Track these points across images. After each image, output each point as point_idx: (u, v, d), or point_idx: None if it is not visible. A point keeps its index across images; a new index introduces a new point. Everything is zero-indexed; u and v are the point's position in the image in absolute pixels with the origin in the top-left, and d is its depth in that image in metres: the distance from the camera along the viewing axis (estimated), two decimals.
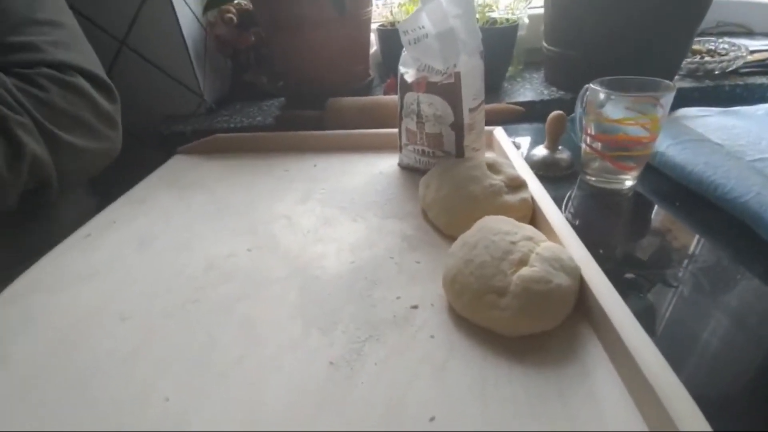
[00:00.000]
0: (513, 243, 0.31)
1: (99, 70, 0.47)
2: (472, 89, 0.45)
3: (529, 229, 0.33)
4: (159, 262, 0.40)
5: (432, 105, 0.46)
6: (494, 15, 0.74)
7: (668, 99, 0.43)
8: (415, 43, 0.43)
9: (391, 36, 0.76)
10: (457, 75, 0.43)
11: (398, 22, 0.76)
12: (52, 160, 0.42)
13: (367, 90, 0.80)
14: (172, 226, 0.46)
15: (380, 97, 0.71)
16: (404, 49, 0.47)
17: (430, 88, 0.45)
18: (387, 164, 0.56)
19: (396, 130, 0.54)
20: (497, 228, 0.32)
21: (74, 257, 0.41)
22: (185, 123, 0.75)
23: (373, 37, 0.83)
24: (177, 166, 0.60)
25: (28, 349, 0.31)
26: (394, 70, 0.77)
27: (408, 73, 0.47)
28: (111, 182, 0.56)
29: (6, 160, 0.38)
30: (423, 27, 0.42)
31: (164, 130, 0.73)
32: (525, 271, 0.29)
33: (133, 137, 0.77)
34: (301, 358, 0.29)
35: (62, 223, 0.46)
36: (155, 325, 0.32)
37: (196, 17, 0.74)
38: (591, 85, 0.46)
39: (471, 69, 0.44)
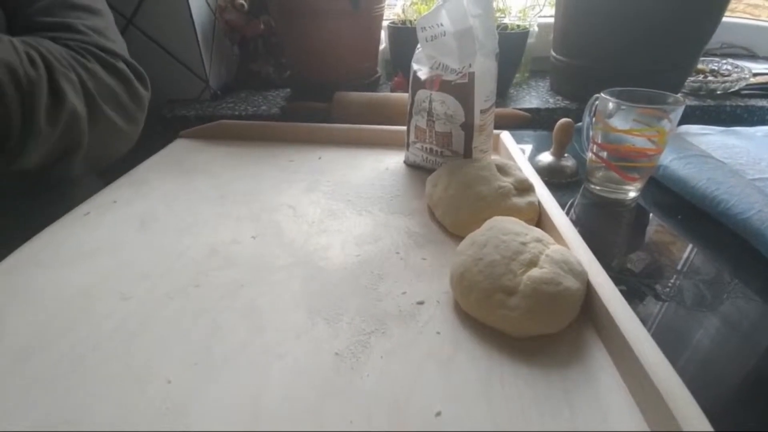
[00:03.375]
0: (523, 244, 0.31)
1: (137, 64, 0.48)
2: (485, 91, 0.45)
3: (538, 232, 0.33)
4: (160, 244, 0.39)
5: (444, 104, 0.46)
6: (506, 21, 0.74)
7: (677, 113, 0.44)
8: (432, 40, 0.43)
9: (401, 34, 0.76)
10: (472, 75, 0.43)
11: (409, 20, 0.76)
12: (89, 125, 0.42)
13: (374, 87, 0.80)
14: (174, 209, 0.45)
15: (388, 94, 0.71)
16: (419, 45, 0.47)
17: (444, 86, 0.45)
18: (393, 161, 0.56)
19: (403, 128, 0.54)
20: (507, 228, 0.32)
21: (73, 234, 0.40)
22: (189, 107, 0.74)
23: (382, 35, 0.83)
24: (179, 149, 0.60)
25: (23, 322, 0.30)
26: (402, 68, 0.77)
27: (421, 71, 0.47)
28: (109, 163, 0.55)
29: (47, 111, 0.37)
30: (441, 24, 0.42)
31: (167, 113, 0.72)
32: (535, 272, 0.29)
33: None
34: (305, 348, 0.28)
35: (71, 204, 0.45)
36: (156, 306, 0.32)
37: (206, 1, 0.74)
38: (602, 95, 0.47)
39: (485, 70, 0.44)
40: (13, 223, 0.42)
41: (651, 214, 0.49)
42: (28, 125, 0.36)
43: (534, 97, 0.78)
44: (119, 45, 0.47)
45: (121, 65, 0.45)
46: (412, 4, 0.77)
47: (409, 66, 0.49)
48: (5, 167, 0.38)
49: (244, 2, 0.74)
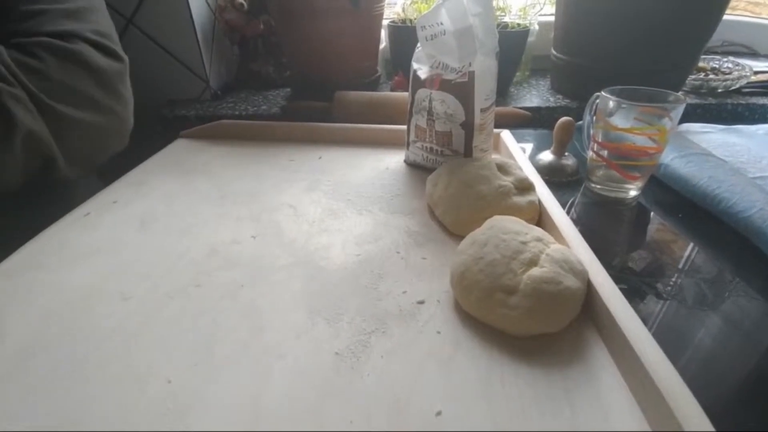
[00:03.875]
0: (523, 243, 0.31)
1: (109, 40, 0.45)
2: (485, 89, 0.45)
3: (538, 231, 0.33)
4: (160, 245, 0.39)
5: (444, 103, 0.46)
6: (506, 19, 0.74)
7: (678, 111, 0.43)
8: (432, 39, 0.43)
9: (401, 33, 0.76)
10: (472, 74, 0.43)
11: (409, 19, 0.76)
12: (55, 136, 0.40)
13: (374, 86, 0.80)
14: (174, 209, 0.45)
15: (388, 93, 0.71)
16: (419, 45, 0.46)
17: (444, 85, 0.45)
18: (393, 160, 0.56)
19: (403, 127, 0.54)
20: (508, 227, 0.32)
21: (73, 235, 0.40)
22: (189, 107, 0.74)
23: (383, 34, 0.83)
24: (180, 149, 0.60)
25: (24, 324, 0.30)
26: (402, 67, 0.77)
27: (421, 70, 0.47)
28: (109, 163, 0.55)
29: None
30: (441, 23, 0.42)
31: (167, 113, 0.72)
32: (535, 271, 0.29)
33: (134, 118, 0.76)
34: (306, 348, 0.28)
35: (71, 204, 0.45)
36: (157, 306, 0.32)
37: (206, 0, 0.73)
38: (602, 93, 0.46)
39: (485, 69, 0.44)
40: (13, 223, 0.42)
41: (652, 213, 0.49)
42: None
43: (534, 95, 0.78)
44: (94, 26, 0.44)
45: (81, 47, 0.42)
46: (412, 2, 0.77)
47: (409, 65, 0.49)
48: None
49: (243, 2, 0.74)
